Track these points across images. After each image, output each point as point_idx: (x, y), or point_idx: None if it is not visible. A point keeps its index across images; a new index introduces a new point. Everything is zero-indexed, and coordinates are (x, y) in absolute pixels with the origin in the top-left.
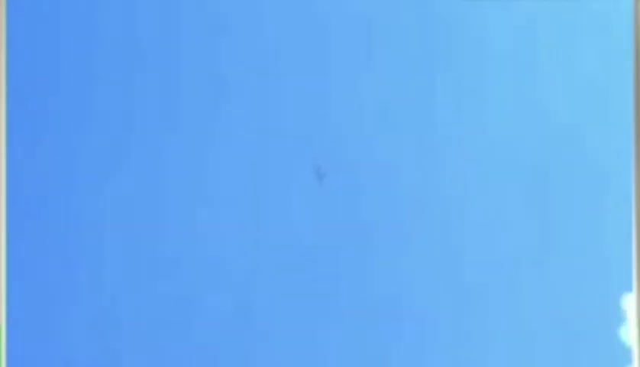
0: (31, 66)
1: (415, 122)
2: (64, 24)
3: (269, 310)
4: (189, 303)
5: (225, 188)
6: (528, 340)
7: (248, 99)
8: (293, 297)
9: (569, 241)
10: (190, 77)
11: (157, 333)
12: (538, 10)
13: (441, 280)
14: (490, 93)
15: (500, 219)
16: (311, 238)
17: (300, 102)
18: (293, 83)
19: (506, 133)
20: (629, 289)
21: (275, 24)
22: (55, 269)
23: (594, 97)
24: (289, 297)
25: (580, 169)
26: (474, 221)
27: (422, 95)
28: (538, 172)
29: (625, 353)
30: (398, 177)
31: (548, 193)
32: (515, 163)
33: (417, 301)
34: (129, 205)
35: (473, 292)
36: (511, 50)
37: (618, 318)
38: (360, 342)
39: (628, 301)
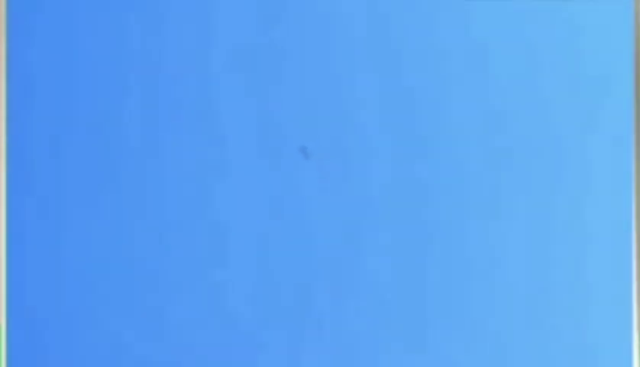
0: (30, 67)
1: (414, 119)
2: (64, 25)
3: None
4: (188, 297)
5: (218, 174)
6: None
7: (239, 91)
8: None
9: (569, 241)
10: (180, 69)
11: (158, 333)
12: (538, 10)
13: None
14: (490, 93)
15: (497, 217)
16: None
17: (292, 90)
18: (289, 75)
19: (505, 132)
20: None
21: (268, 16)
22: (56, 270)
23: (594, 97)
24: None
25: (581, 169)
26: (472, 219)
27: (422, 93)
28: (538, 171)
29: None
30: (398, 172)
31: (548, 193)
32: (514, 162)
33: (412, 294)
34: (128, 204)
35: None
36: (511, 50)
37: None
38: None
39: None
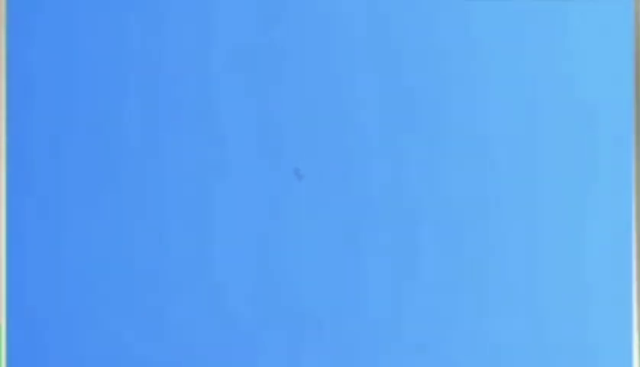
0: (30, 68)
1: (414, 118)
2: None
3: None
4: (188, 297)
5: (212, 188)
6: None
7: (235, 101)
8: (276, 300)
9: (569, 241)
10: (180, 69)
11: (158, 333)
12: (538, 10)
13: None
14: (489, 93)
15: (497, 217)
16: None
17: (284, 104)
18: (285, 83)
19: (505, 132)
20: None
21: (268, 16)
22: (56, 270)
23: (594, 97)
24: (271, 302)
25: (579, 170)
26: (472, 219)
27: (422, 93)
28: (537, 171)
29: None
30: (397, 171)
31: (548, 193)
32: (514, 162)
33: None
34: (128, 204)
35: (466, 288)
36: (510, 50)
37: None
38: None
39: None
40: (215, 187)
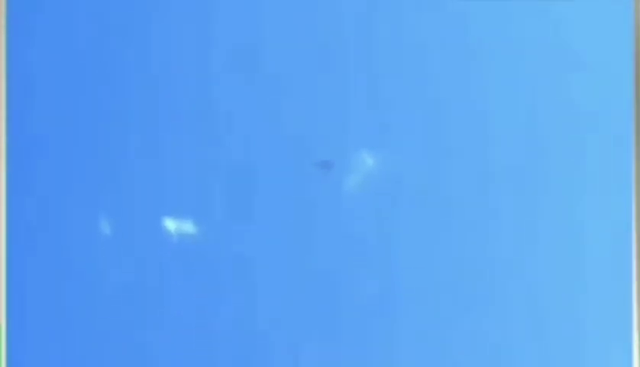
0: (30, 68)
1: (411, 122)
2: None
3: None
4: (188, 297)
5: (229, 185)
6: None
7: (246, 95)
8: (293, 297)
9: (568, 241)
10: (181, 69)
11: (158, 333)
12: (537, 10)
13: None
14: (488, 93)
15: (496, 218)
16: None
17: (300, 98)
18: (292, 80)
19: (504, 133)
20: None
21: (268, 16)
22: (56, 270)
23: (594, 97)
24: (287, 298)
25: (579, 170)
26: (470, 219)
27: (420, 94)
28: (537, 171)
29: None
30: (391, 176)
31: (547, 193)
32: (512, 162)
33: (411, 301)
34: (127, 205)
35: (469, 292)
36: (509, 50)
37: None
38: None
39: None
40: (215, 187)
